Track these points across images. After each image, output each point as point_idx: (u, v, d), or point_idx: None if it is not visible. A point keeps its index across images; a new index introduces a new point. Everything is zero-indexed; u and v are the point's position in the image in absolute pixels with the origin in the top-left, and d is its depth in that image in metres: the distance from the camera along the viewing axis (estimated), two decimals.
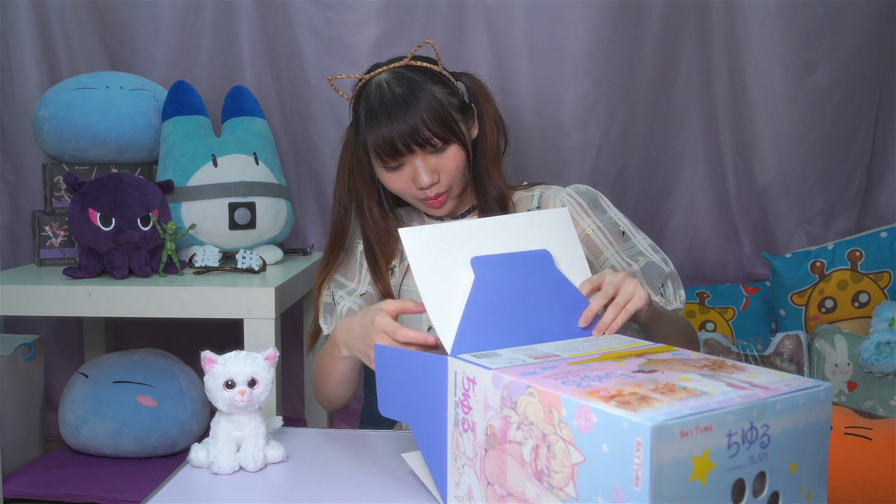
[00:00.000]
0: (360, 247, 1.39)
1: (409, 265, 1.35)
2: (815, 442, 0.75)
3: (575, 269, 1.04)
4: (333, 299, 1.38)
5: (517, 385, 0.78)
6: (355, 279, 1.39)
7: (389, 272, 1.37)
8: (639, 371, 0.79)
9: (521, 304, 0.96)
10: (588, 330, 1.00)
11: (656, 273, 1.33)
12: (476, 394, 0.84)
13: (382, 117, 1.26)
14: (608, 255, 1.34)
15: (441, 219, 1.39)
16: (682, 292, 1.36)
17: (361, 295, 1.37)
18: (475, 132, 1.36)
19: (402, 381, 0.96)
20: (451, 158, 1.29)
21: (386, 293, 1.36)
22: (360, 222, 1.38)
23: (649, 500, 0.64)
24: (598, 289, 1.03)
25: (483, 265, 0.97)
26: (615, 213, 1.38)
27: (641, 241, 1.37)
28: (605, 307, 1.02)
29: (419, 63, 1.32)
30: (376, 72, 1.32)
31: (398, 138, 1.25)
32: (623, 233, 1.36)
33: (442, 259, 0.97)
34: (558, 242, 1.04)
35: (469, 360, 0.86)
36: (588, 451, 0.70)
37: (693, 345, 1.29)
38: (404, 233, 0.97)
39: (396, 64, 1.32)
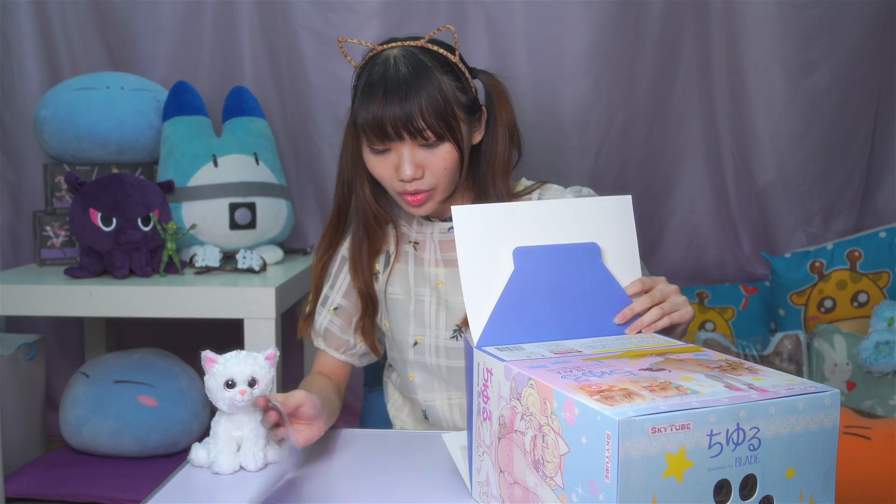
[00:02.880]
0: (341, 251, 1.34)
1: (392, 270, 1.33)
2: (819, 448, 0.74)
3: (625, 265, 1.01)
4: (316, 308, 1.35)
5: (522, 377, 0.80)
6: (329, 282, 1.34)
7: (373, 276, 1.33)
8: (647, 369, 0.79)
9: (558, 299, 0.96)
10: (622, 329, 0.99)
11: None
12: (493, 384, 0.86)
13: (378, 94, 1.15)
14: None
15: (429, 219, 1.32)
16: None
17: (335, 309, 1.33)
18: (478, 136, 1.26)
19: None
20: (442, 157, 1.18)
21: (363, 292, 1.30)
22: (355, 202, 1.31)
23: (617, 493, 0.66)
24: (646, 291, 1.00)
25: (525, 257, 0.95)
26: None
27: None
28: (648, 310, 1.00)
29: (435, 48, 1.21)
30: (389, 45, 1.22)
31: (389, 121, 1.14)
32: None
33: (488, 243, 0.96)
34: (613, 234, 1.01)
35: (491, 352, 0.88)
36: (572, 442, 0.72)
37: None
38: (456, 210, 0.95)
39: (412, 42, 1.22)
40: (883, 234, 2.20)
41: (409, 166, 1.17)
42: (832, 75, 2.18)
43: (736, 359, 0.83)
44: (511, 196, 1.29)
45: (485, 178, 1.27)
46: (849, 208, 2.31)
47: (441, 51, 1.22)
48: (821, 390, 0.73)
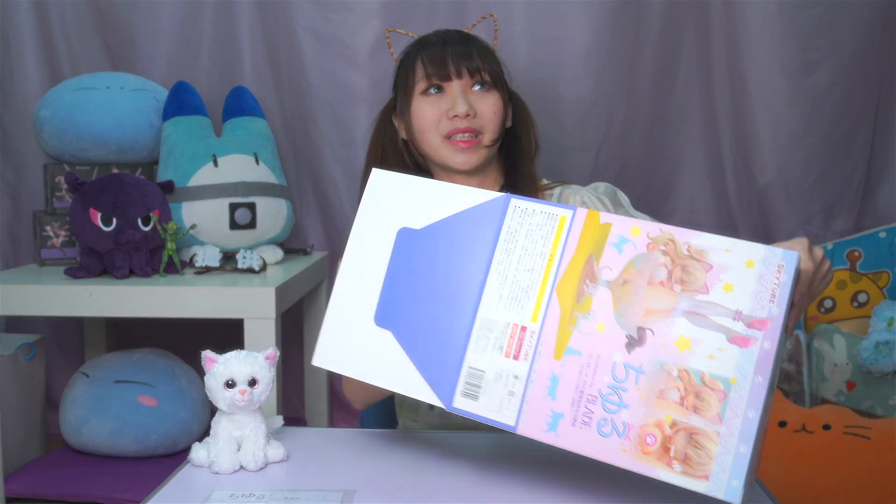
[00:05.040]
0: None
1: None
2: None
3: None
4: None
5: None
6: None
7: None
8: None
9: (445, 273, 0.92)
10: None
11: None
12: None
13: (438, 41, 1.30)
14: None
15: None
16: None
17: None
18: (508, 122, 1.36)
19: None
20: (493, 103, 1.29)
21: None
22: None
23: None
24: None
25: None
26: (635, 213, 1.35)
27: None
28: None
29: (477, 35, 1.36)
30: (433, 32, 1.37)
31: (451, 57, 1.26)
32: None
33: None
34: None
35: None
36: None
37: None
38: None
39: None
40: (883, 234, 2.20)
41: (463, 102, 1.26)
42: (833, 75, 2.18)
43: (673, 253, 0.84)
44: (536, 183, 1.36)
45: (516, 161, 1.36)
46: (849, 208, 2.31)
47: (482, 38, 1.35)
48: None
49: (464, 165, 1.29)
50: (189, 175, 1.96)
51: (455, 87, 1.28)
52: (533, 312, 0.85)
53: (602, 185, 1.38)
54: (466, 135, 1.27)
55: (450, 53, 1.27)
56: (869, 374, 2.06)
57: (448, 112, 1.27)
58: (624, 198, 1.37)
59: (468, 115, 1.26)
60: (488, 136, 1.29)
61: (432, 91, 1.29)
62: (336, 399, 2.46)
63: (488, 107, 1.28)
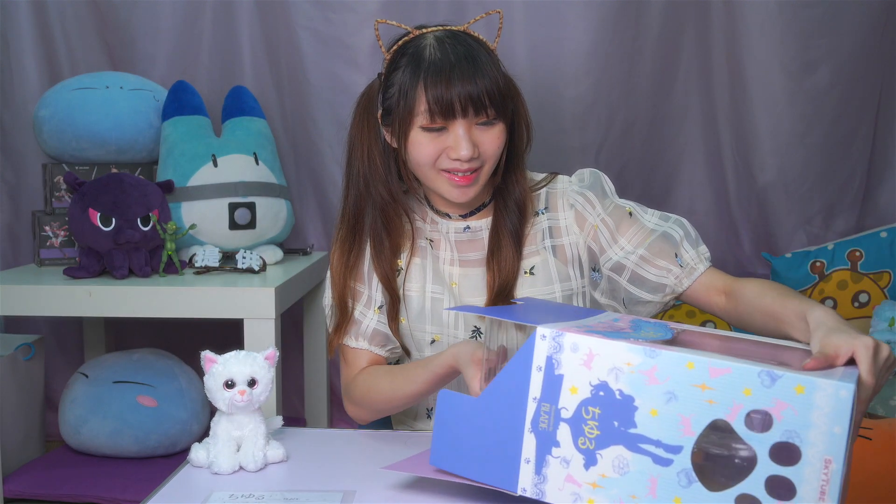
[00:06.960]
0: (367, 251, 1.30)
1: (410, 264, 1.32)
2: None
3: None
4: (355, 313, 1.30)
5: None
6: (364, 281, 1.30)
7: (396, 273, 1.29)
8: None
9: None
10: None
11: (667, 245, 1.27)
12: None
13: (445, 70, 1.16)
14: (611, 254, 1.27)
15: (448, 215, 1.30)
16: (703, 248, 1.30)
17: (380, 308, 1.29)
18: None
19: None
20: (496, 136, 1.20)
21: (384, 279, 1.27)
22: (371, 199, 1.27)
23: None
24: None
25: None
26: (619, 202, 1.32)
27: (650, 219, 1.30)
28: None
29: (475, 34, 1.23)
30: (428, 29, 1.23)
31: (458, 97, 1.15)
32: (630, 214, 1.30)
33: None
34: None
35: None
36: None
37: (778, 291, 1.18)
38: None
39: (453, 27, 1.23)
40: (884, 234, 2.20)
41: (468, 145, 1.17)
42: (833, 75, 2.18)
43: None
44: (526, 188, 1.29)
45: (508, 172, 1.28)
46: (849, 208, 2.31)
47: (481, 37, 1.23)
48: None
49: (459, 199, 1.22)
50: (189, 175, 1.96)
51: (459, 127, 1.17)
52: None
53: (587, 176, 1.32)
54: (468, 174, 1.20)
55: (457, 92, 1.15)
56: None
57: (449, 152, 1.18)
58: (609, 185, 1.33)
59: (472, 157, 1.18)
60: (485, 173, 1.22)
61: (432, 129, 1.18)
62: (336, 399, 2.45)
63: (493, 140, 1.20)
